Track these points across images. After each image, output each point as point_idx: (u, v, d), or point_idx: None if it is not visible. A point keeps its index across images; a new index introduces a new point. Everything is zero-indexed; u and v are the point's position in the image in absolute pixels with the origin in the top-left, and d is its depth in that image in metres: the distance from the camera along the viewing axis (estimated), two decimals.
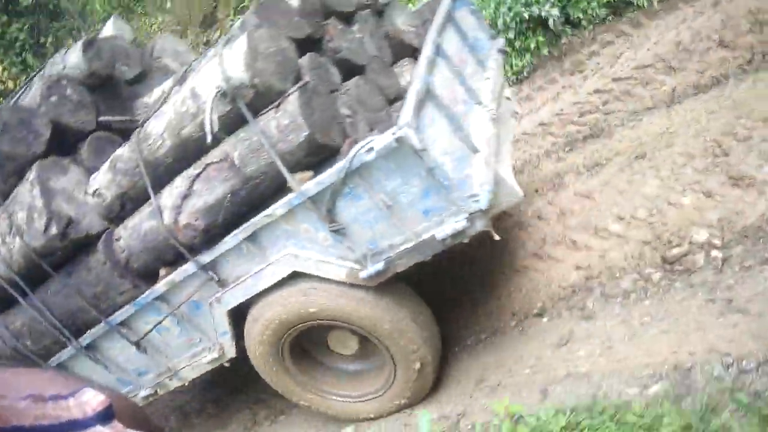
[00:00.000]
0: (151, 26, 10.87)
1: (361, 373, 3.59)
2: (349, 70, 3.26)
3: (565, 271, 3.77)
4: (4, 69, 10.56)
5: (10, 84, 10.46)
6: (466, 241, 2.71)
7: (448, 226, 2.62)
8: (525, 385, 3.15)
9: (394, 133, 2.39)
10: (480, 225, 2.63)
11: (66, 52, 3.57)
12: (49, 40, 11.06)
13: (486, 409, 3.11)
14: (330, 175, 2.57)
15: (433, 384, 3.50)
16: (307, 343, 3.61)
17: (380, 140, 2.43)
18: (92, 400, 0.78)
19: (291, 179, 2.66)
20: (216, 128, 2.57)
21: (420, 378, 3.30)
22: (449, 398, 3.47)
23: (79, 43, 3.48)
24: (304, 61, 2.91)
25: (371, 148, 2.43)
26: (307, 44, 3.15)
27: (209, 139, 2.58)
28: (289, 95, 2.62)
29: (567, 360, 3.11)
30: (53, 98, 3.29)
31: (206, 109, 2.55)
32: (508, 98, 3.86)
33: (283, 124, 2.60)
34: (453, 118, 2.87)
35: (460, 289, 4.24)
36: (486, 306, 4.02)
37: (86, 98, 3.46)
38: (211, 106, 2.54)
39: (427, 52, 2.98)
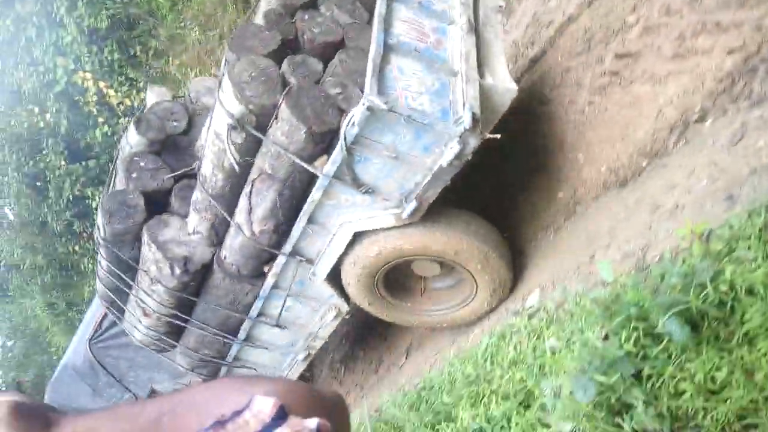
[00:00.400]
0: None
1: (449, 287, 4.17)
2: (331, 48, 3.64)
3: (718, 60, 3.33)
4: (116, 90, 12.07)
5: (127, 101, 11.98)
6: (469, 157, 3.09)
7: (447, 153, 3.03)
8: (706, 197, 2.89)
9: (363, 104, 2.82)
10: (473, 141, 2.99)
11: (125, 134, 4.38)
12: (138, 48, 12.28)
13: (670, 235, 2.94)
14: (336, 153, 3.07)
15: (513, 272, 4.01)
16: (398, 277, 4.24)
17: (357, 112, 2.88)
18: (265, 408, 0.82)
19: (312, 168, 3.21)
20: (237, 157, 3.20)
21: (498, 276, 3.80)
22: (628, 235, 3.47)
23: (132, 124, 4.27)
24: (284, 66, 3.38)
25: (353, 123, 2.88)
26: (286, 47, 3.59)
27: (237, 168, 3.22)
28: (280, 105, 3.12)
29: (746, 156, 2.81)
30: (134, 174, 4.14)
31: (225, 146, 3.17)
32: None
33: (285, 130, 3.13)
34: (422, 56, 3.23)
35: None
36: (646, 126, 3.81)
37: (158, 163, 4.26)
38: (228, 141, 3.15)
39: (378, 8, 3.28)
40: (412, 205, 3.30)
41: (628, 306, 2.54)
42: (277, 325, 4.43)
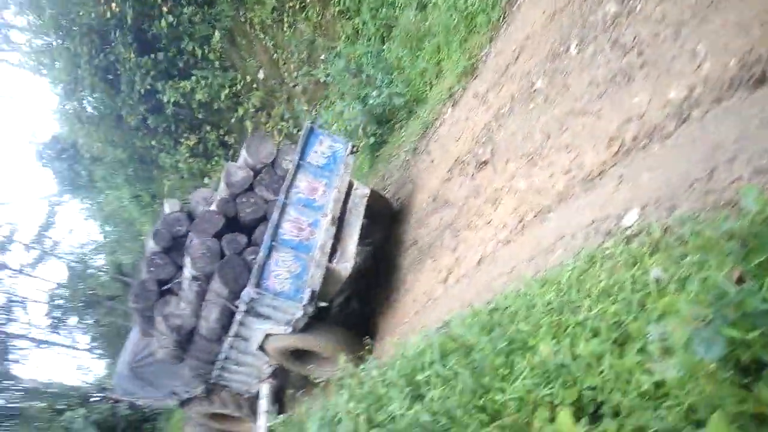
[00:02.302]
0: None
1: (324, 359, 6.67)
2: (259, 220, 6.58)
3: None
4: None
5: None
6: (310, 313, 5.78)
7: (297, 313, 5.73)
8: None
9: (246, 294, 5.50)
10: (309, 309, 5.63)
11: (147, 240, 6.91)
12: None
13: None
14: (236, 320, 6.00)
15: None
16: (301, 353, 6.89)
17: (246, 295, 5.57)
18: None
19: (233, 307, 5.85)
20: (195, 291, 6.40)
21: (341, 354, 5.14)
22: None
23: (150, 235, 7.06)
24: (224, 242, 6.17)
25: (244, 301, 5.53)
26: (229, 224, 6.56)
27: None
28: (215, 272, 5.81)
29: None
30: (151, 269, 6.93)
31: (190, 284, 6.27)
32: (356, 188, 6.78)
33: (218, 285, 5.77)
34: (295, 247, 5.80)
35: None
36: None
37: (166, 260, 7.02)
38: (190, 283, 6.09)
39: (273, 216, 5.99)
40: (289, 329, 6.03)
41: None
42: (236, 364, 7.01)
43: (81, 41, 12.49)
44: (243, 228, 6.51)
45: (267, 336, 6.14)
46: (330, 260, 6.06)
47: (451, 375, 3.41)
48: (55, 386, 25.16)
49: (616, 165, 4.23)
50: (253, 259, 5.70)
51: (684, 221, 2.99)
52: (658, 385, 2.38)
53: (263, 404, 5.31)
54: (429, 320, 5.40)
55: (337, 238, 6.26)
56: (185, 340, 6.69)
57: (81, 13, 12.45)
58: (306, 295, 5.49)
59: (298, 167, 6.42)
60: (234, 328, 6.08)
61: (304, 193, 6.27)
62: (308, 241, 5.86)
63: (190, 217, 7.05)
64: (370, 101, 9.51)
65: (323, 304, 5.68)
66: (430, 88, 9.06)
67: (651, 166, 3.77)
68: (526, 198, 5.38)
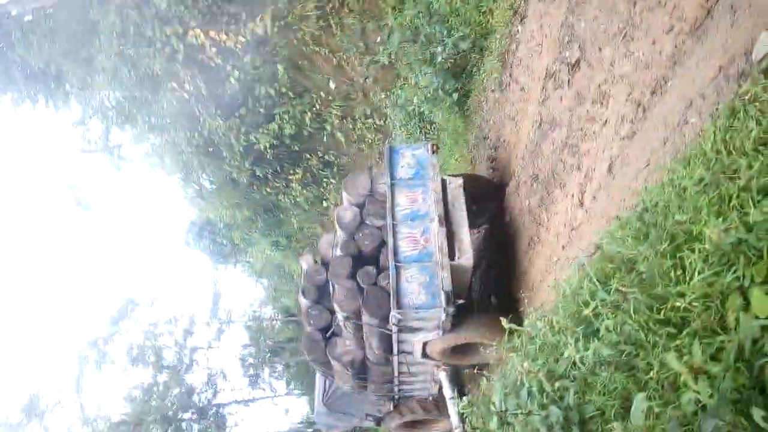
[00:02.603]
0: None
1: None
2: (379, 247, 7.21)
3: None
4: (226, 33, 12.37)
5: (241, 38, 12.53)
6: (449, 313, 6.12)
7: (442, 315, 6.05)
8: None
9: (393, 317, 6.06)
10: (450, 310, 5.89)
11: (299, 296, 7.74)
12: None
13: None
14: (394, 340, 6.71)
15: None
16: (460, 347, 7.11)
17: (392, 318, 6.07)
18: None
19: (387, 330, 6.33)
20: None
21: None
22: None
23: (300, 293, 7.88)
24: (358, 278, 6.88)
25: (394, 323, 6.12)
26: (356, 260, 7.12)
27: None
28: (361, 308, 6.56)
29: None
30: (311, 321, 7.69)
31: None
32: (449, 183, 7.03)
33: (368, 317, 6.51)
34: (418, 259, 6.20)
35: None
36: None
37: (321, 310, 7.77)
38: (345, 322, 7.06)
39: (389, 241, 6.48)
40: (439, 332, 6.40)
41: None
42: (410, 375, 7.49)
43: (174, 130, 13.59)
44: (369, 259, 7.11)
45: (425, 344, 6.59)
46: (452, 258, 6.35)
47: (619, 298, 3.04)
48: None
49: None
50: (387, 283, 6.24)
51: None
52: None
53: (447, 392, 5.27)
54: (578, 251, 4.97)
55: (450, 235, 6.56)
56: (360, 370, 7.42)
57: (165, 106, 13.57)
58: (443, 299, 5.86)
59: (392, 187, 6.89)
60: (395, 348, 6.68)
61: (407, 208, 6.68)
62: (426, 249, 6.30)
63: (324, 263, 7.83)
64: (438, 59, 9.12)
65: (461, 301, 5.99)
66: (492, 16, 8.45)
67: None
68: (636, 79, 4.73)
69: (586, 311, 3.27)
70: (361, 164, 14.54)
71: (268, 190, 14.90)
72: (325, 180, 14.42)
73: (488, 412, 3.72)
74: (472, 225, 7.41)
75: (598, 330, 3.08)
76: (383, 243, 6.90)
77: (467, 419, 4.54)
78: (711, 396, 1.94)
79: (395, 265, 6.19)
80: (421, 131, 11.43)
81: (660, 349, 2.58)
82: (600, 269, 3.55)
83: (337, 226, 7.40)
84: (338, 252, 7.25)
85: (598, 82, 5.37)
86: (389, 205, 6.74)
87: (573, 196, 5.59)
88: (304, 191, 14.54)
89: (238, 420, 27.37)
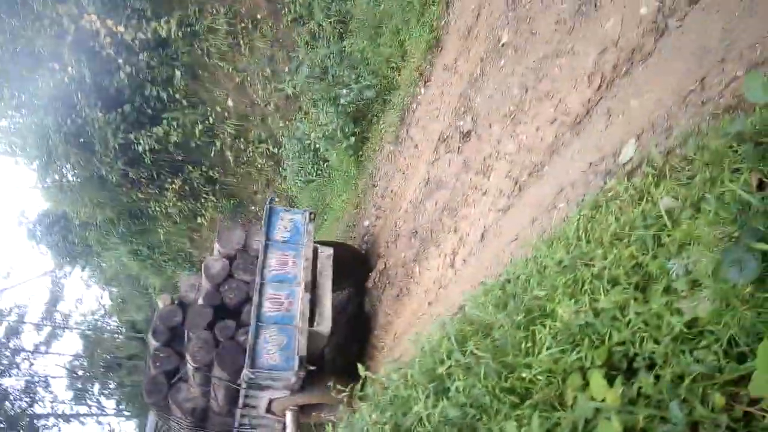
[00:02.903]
0: None
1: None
2: (243, 302, 7.38)
3: None
4: (126, 26, 11.56)
5: (141, 35, 11.77)
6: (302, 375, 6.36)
7: (292, 378, 6.29)
8: None
9: (245, 375, 6.10)
10: (301, 374, 6.18)
11: (148, 337, 7.52)
12: None
13: None
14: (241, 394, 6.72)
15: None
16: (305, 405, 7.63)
17: (244, 376, 6.18)
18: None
19: (236, 386, 6.47)
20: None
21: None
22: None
23: (150, 335, 7.70)
24: (216, 331, 7.01)
25: (245, 381, 6.25)
26: (217, 313, 7.26)
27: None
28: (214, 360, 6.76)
29: None
30: (157, 363, 7.48)
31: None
32: (321, 251, 7.46)
33: (220, 370, 6.75)
34: (279, 321, 6.37)
35: None
36: None
37: (169, 352, 7.57)
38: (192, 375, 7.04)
39: (254, 298, 6.66)
40: (287, 392, 6.63)
41: None
42: (252, 427, 7.28)
43: (45, 113, 12.31)
44: (231, 312, 7.25)
45: (271, 401, 6.79)
46: (311, 324, 6.72)
47: (472, 361, 3.14)
48: None
49: (602, 100, 3.95)
50: (245, 339, 6.42)
51: (685, 139, 2.70)
52: (691, 325, 2.11)
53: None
54: (443, 308, 5.12)
55: (313, 302, 6.97)
56: (200, 418, 7.47)
57: (40, 85, 12.29)
58: (296, 363, 6.18)
59: (266, 247, 7.14)
60: (241, 401, 6.80)
61: (277, 269, 6.99)
62: (289, 312, 6.60)
63: (182, 305, 7.80)
64: (342, 101, 9.24)
65: (312, 367, 6.31)
66: (399, 73, 8.79)
67: (638, 92, 3.49)
68: (517, 159, 5.09)
69: (441, 369, 3.32)
70: (246, 188, 14.11)
71: (139, 195, 13.87)
72: (204, 196, 13.73)
73: None
74: (338, 288, 8.09)
75: (448, 389, 3.14)
76: (248, 299, 7.08)
77: None
78: None
79: (257, 324, 6.38)
80: (313, 166, 11.39)
81: (502, 416, 2.67)
82: (460, 330, 3.66)
83: (203, 276, 7.46)
84: (201, 301, 7.34)
85: (484, 155, 5.72)
86: (260, 264, 6.96)
87: (446, 256, 5.80)
88: (179, 203, 13.71)
89: None
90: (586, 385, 2.33)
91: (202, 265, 7.70)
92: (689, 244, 2.19)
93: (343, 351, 8.11)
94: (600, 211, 3.02)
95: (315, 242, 7.51)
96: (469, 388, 2.93)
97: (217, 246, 7.75)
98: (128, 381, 23.65)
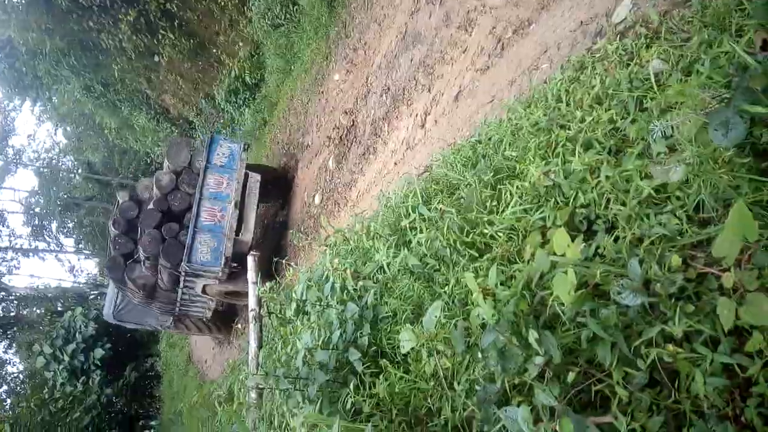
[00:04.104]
0: None
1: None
2: (186, 209, 9.02)
3: None
4: None
5: None
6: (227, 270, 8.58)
7: (220, 273, 8.60)
8: None
9: (183, 267, 8.50)
10: (226, 270, 8.51)
11: (108, 227, 9.74)
12: None
13: None
14: (182, 279, 9.08)
15: None
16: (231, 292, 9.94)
17: (182, 268, 8.56)
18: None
19: (177, 273, 8.86)
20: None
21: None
22: None
23: (111, 224, 9.46)
24: (163, 231, 8.73)
25: (184, 271, 8.61)
26: (164, 215, 8.97)
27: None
28: (160, 252, 8.71)
29: None
30: (116, 247, 9.34)
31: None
32: (251, 177, 9.29)
33: (163, 263, 8.85)
34: (212, 229, 8.54)
35: None
36: None
37: (126, 239, 9.27)
38: (143, 261, 9.26)
39: (194, 208, 8.65)
40: (216, 281, 8.86)
41: None
42: (191, 302, 9.78)
43: None
44: (175, 216, 8.98)
45: (205, 285, 9.03)
46: (237, 234, 8.75)
47: (436, 216, 3.16)
48: (50, 291, 25.85)
49: None
50: (185, 239, 8.42)
51: None
52: (659, 189, 2.11)
53: (251, 275, 5.30)
54: (410, 168, 5.09)
55: (240, 216, 8.94)
56: (150, 292, 9.64)
57: None
58: (222, 261, 8.38)
59: (206, 169, 8.91)
60: (182, 284, 9.01)
61: (214, 188, 8.83)
62: (220, 223, 8.62)
63: (138, 202, 9.58)
64: None
65: (234, 264, 8.51)
66: None
67: None
68: (503, 14, 4.78)
69: (404, 222, 3.36)
70: (207, 27, 13.10)
71: (91, 24, 12.73)
72: (162, 32, 12.71)
73: (288, 299, 3.73)
74: (266, 202, 10.45)
75: (410, 242, 3.19)
76: (189, 207, 8.82)
77: (264, 304, 4.54)
78: (494, 315, 2.10)
79: (194, 229, 8.41)
80: (282, 8, 10.57)
81: (460, 268, 2.74)
82: (425, 188, 3.65)
83: (154, 186, 9.11)
84: (151, 206, 9.05)
85: (468, 8, 5.35)
86: (200, 183, 8.75)
87: (417, 115, 5.65)
88: (134, 37, 12.69)
89: (13, 267, 24.86)
90: (545, 243, 2.37)
91: (154, 177, 9.32)
92: (673, 108, 2.12)
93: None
94: (584, 72, 2.89)
95: (246, 168, 9.18)
96: (431, 241, 2.98)
97: (166, 162, 9.27)
98: (87, 221, 23.65)
